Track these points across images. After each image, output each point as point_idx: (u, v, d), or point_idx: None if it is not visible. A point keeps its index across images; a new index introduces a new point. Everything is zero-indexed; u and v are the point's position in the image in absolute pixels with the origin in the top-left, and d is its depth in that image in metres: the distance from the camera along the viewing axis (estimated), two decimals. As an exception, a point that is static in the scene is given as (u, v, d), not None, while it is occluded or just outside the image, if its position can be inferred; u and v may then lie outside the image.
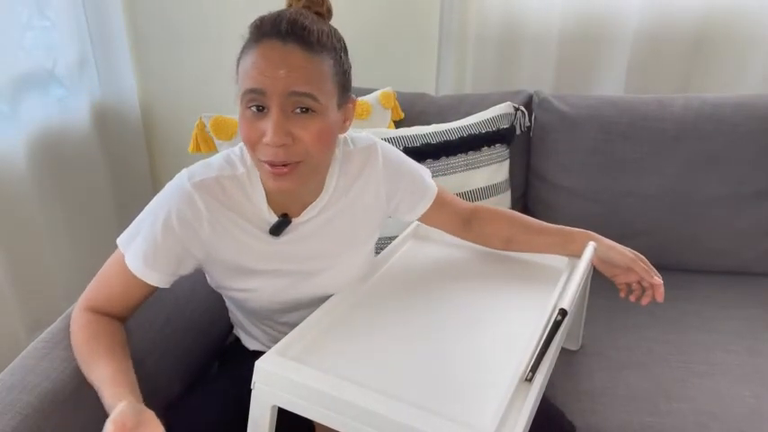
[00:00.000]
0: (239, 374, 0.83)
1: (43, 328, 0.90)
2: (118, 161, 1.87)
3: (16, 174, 1.48)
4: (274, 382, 0.72)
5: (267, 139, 0.73)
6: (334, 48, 0.77)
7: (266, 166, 0.76)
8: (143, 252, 0.80)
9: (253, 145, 0.76)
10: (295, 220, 0.87)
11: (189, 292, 1.06)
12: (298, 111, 0.74)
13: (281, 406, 0.73)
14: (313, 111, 0.74)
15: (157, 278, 0.82)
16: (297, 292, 0.90)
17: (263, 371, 0.72)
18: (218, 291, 0.94)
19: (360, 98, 1.46)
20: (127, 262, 0.82)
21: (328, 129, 0.77)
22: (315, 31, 0.74)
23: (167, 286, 0.85)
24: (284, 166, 0.75)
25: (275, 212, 0.86)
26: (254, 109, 0.74)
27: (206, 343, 1.10)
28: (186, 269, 0.86)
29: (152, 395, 0.93)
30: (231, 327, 1.10)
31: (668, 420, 1.01)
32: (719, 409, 1.02)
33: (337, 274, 0.92)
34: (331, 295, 0.91)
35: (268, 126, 0.73)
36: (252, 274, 0.87)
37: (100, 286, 0.85)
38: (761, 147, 1.34)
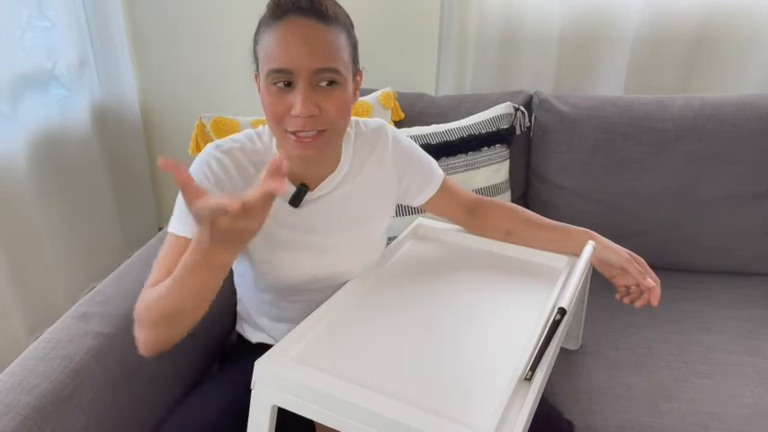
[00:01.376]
0: (239, 374, 0.83)
1: (43, 328, 0.90)
2: (118, 161, 1.87)
3: (16, 174, 1.48)
4: (274, 382, 0.72)
5: (296, 110, 0.77)
6: (346, 21, 0.82)
7: (292, 136, 0.80)
8: (185, 215, 0.83)
9: (279, 118, 0.80)
10: (311, 194, 0.91)
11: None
12: (324, 84, 0.79)
13: (281, 406, 0.73)
14: (336, 83, 0.80)
15: None
16: (313, 269, 0.93)
17: (263, 371, 0.72)
18: (239, 266, 0.96)
19: (360, 98, 1.46)
20: (172, 229, 0.85)
21: (348, 98, 0.83)
22: (330, 4, 0.80)
23: None
24: (308, 136, 0.80)
25: (293, 184, 0.90)
26: (280, 85, 0.78)
27: (207, 343, 1.10)
28: None
29: (152, 396, 0.93)
30: (232, 327, 1.10)
31: (668, 420, 1.01)
32: (719, 409, 1.03)
33: (352, 252, 0.95)
34: (346, 273, 0.95)
35: (296, 99, 0.77)
36: (272, 242, 0.90)
37: (157, 265, 0.85)
38: (761, 147, 1.34)
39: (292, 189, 0.90)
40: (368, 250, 0.98)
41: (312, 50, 0.77)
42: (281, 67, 0.77)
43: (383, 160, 0.98)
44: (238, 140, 0.90)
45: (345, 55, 0.81)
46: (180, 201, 0.86)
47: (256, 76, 0.85)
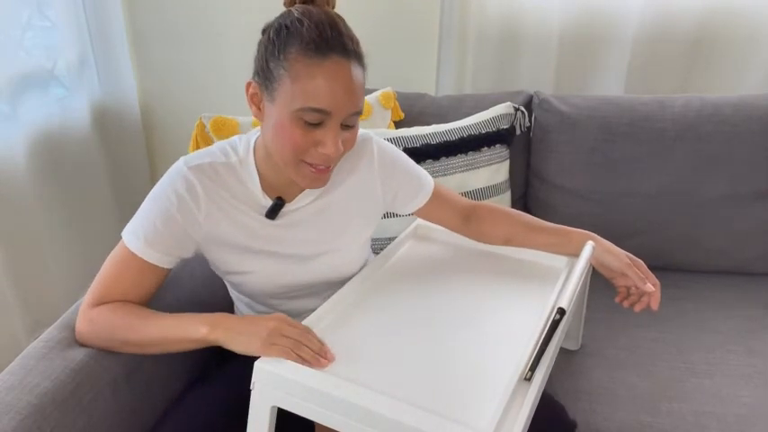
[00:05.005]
0: (239, 374, 0.83)
1: (43, 328, 0.90)
2: (118, 161, 1.88)
3: (16, 174, 1.48)
4: (274, 382, 0.72)
5: (327, 150, 0.78)
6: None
7: (309, 168, 0.81)
8: (144, 234, 0.83)
9: (302, 151, 0.79)
10: (289, 205, 0.90)
11: (189, 293, 1.06)
12: (347, 125, 0.80)
13: (281, 406, 0.73)
14: (356, 123, 0.82)
15: (159, 258, 0.84)
16: (292, 277, 0.92)
17: (262, 371, 0.72)
18: (218, 274, 0.96)
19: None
20: (128, 245, 0.84)
21: (357, 133, 0.85)
22: (358, 42, 0.79)
23: (170, 267, 0.87)
24: (326, 168, 0.82)
25: (269, 197, 0.89)
26: (312, 121, 0.77)
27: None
28: (187, 252, 0.88)
29: (152, 395, 0.93)
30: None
31: (668, 420, 1.01)
32: (719, 409, 1.02)
33: (331, 261, 0.94)
34: (325, 282, 0.95)
35: (326, 138, 0.78)
36: (248, 255, 0.89)
37: (108, 280, 0.85)
38: (761, 147, 1.34)
39: (268, 203, 0.89)
40: (344, 260, 0.97)
41: (352, 95, 0.77)
42: (322, 108, 0.76)
43: (367, 173, 0.96)
44: (210, 154, 0.88)
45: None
46: (146, 216, 0.85)
47: (255, 85, 0.81)
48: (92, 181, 1.78)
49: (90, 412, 0.80)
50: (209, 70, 1.83)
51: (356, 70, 0.77)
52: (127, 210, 1.92)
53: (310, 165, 0.81)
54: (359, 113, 0.80)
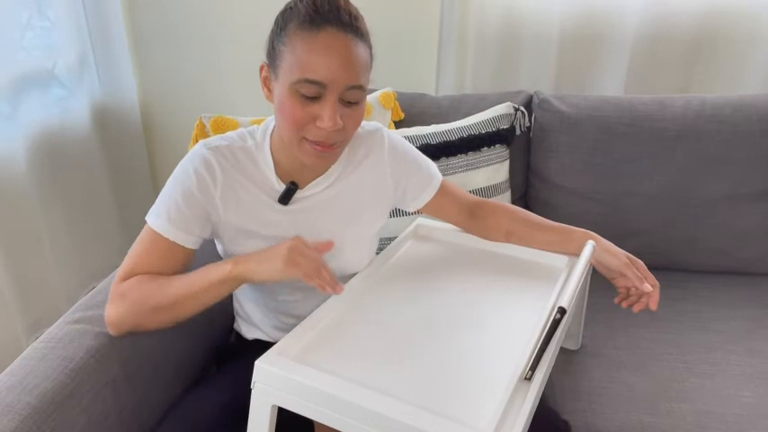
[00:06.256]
0: (239, 374, 0.84)
1: (43, 328, 0.90)
2: (118, 161, 1.87)
3: (16, 174, 1.48)
4: (274, 382, 0.72)
5: (324, 124, 0.78)
6: (370, 40, 0.83)
7: (311, 144, 0.82)
8: (167, 213, 0.85)
9: (301, 126, 0.80)
10: (302, 191, 0.92)
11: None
12: (348, 100, 0.80)
13: (281, 406, 0.73)
14: (359, 101, 0.82)
15: (184, 238, 0.86)
16: None
17: (262, 370, 0.72)
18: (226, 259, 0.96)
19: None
20: (152, 225, 0.85)
21: (363, 113, 0.85)
22: (362, 22, 0.80)
23: (194, 247, 0.88)
24: (328, 145, 0.82)
25: (283, 182, 0.90)
26: (308, 94, 0.78)
27: (206, 343, 1.10)
28: (207, 231, 0.90)
29: (152, 396, 0.93)
30: (231, 326, 1.10)
31: (668, 420, 1.01)
32: (719, 409, 1.03)
33: (340, 252, 0.95)
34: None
35: (324, 112, 0.78)
36: (258, 238, 0.90)
37: (135, 258, 0.87)
38: (761, 147, 1.34)
39: (282, 187, 0.90)
40: (355, 252, 0.97)
41: (348, 67, 0.77)
42: (316, 79, 0.76)
43: (378, 164, 0.98)
44: (228, 138, 0.91)
45: (369, 73, 0.83)
46: (168, 196, 0.87)
47: (266, 68, 0.83)
48: (92, 181, 1.78)
49: (90, 413, 0.81)
50: (209, 70, 1.83)
51: (353, 43, 0.78)
52: (127, 210, 1.92)
53: (312, 143, 0.82)
54: (359, 88, 0.80)
